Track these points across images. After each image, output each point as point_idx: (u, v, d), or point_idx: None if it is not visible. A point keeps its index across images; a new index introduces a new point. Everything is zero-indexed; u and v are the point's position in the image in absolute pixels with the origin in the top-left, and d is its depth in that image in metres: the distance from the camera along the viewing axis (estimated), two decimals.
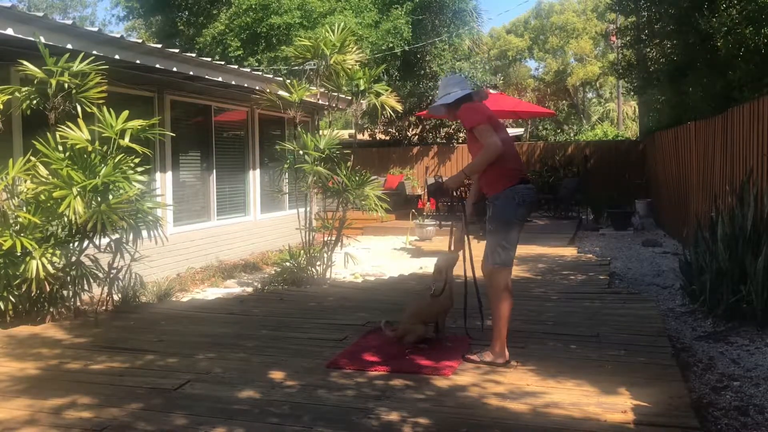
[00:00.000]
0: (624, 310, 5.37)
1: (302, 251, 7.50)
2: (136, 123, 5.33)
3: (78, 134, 5.08)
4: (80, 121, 5.18)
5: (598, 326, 4.81)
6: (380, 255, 10.33)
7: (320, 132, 7.73)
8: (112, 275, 5.58)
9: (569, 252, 9.60)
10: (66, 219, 5.09)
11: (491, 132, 3.81)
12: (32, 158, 5.19)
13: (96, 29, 6.37)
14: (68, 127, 5.12)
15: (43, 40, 5.40)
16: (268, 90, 8.01)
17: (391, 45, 16.43)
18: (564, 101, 35.04)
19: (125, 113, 5.33)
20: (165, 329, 5.00)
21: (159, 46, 7.34)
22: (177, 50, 7.74)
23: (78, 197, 4.79)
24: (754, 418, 3.44)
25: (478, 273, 4.03)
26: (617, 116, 30.93)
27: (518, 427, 3.02)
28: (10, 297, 5.03)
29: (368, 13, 16.87)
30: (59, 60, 5.22)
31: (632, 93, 17.37)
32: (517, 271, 6.80)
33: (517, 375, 3.67)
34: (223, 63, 8.72)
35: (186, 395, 3.49)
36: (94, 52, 5.94)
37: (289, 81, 7.90)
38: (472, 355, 3.95)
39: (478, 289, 4.20)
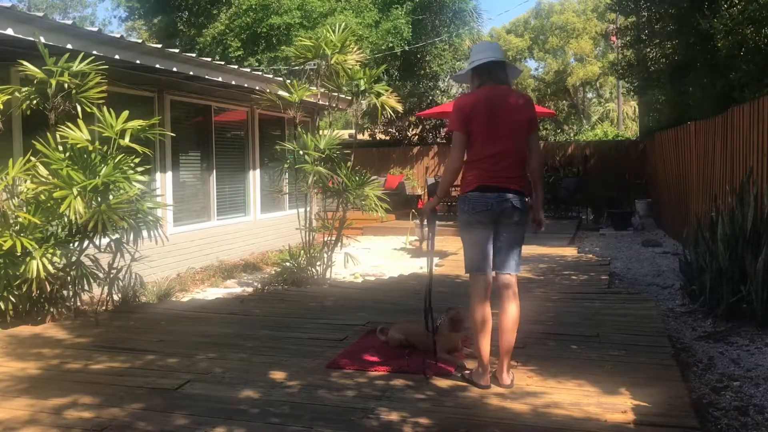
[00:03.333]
0: (624, 310, 5.37)
1: (302, 251, 7.50)
2: (136, 123, 5.33)
3: (78, 134, 5.08)
4: (80, 121, 5.18)
5: (599, 326, 4.81)
6: (380, 255, 10.33)
7: (320, 132, 7.72)
8: (112, 275, 5.58)
9: (569, 252, 9.60)
10: (66, 219, 5.09)
11: (457, 145, 3.62)
12: (32, 158, 5.18)
13: (96, 29, 6.36)
14: (68, 127, 5.12)
15: (43, 40, 5.39)
16: (268, 90, 8.01)
17: (391, 45, 16.43)
18: (564, 101, 35.00)
19: (125, 113, 5.33)
20: (165, 329, 5.00)
21: (159, 46, 7.34)
22: (177, 50, 7.74)
23: (78, 197, 4.78)
24: (754, 418, 3.44)
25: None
26: (617, 116, 30.91)
27: (519, 427, 3.03)
28: (11, 297, 5.03)
29: (368, 13, 16.87)
30: (59, 60, 5.22)
31: (632, 93, 17.40)
32: None
33: (518, 375, 3.67)
34: (223, 63, 8.71)
35: (186, 395, 3.49)
36: (94, 52, 5.94)
37: (289, 81, 7.90)
38: (466, 369, 3.78)
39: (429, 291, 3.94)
